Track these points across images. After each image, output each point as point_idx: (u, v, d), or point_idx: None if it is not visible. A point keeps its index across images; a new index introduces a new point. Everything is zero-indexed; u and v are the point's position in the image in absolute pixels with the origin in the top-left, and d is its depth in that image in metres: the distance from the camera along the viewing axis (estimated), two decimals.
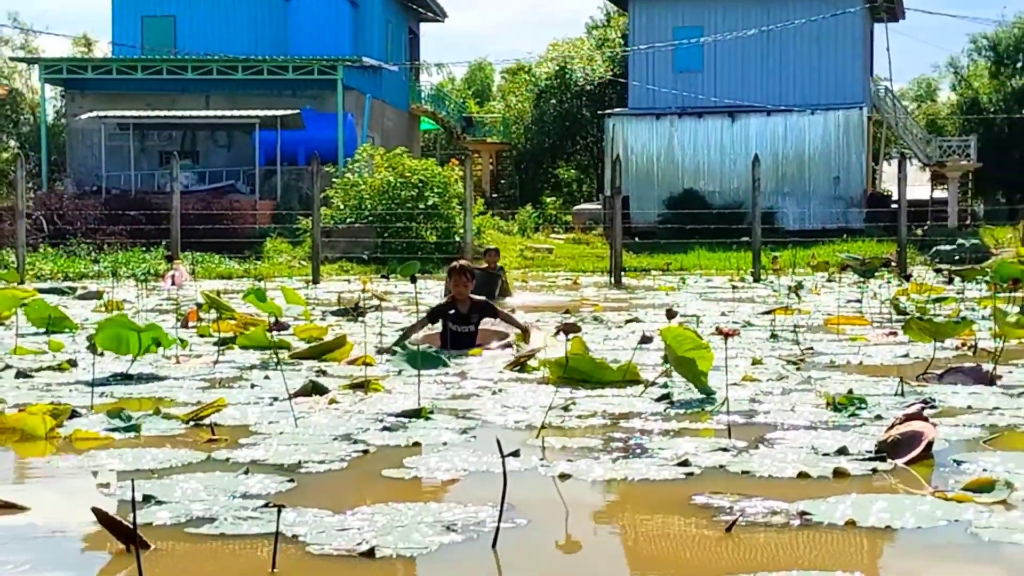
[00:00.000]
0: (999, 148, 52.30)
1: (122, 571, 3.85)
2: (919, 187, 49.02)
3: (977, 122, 55.67)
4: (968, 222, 45.68)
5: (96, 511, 4.15)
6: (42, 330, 11.76)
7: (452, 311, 10.09)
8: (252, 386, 8.00)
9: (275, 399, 7.33)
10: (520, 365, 8.85)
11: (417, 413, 6.65)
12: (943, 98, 69.78)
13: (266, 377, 8.42)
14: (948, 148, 45.75)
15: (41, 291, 18.18)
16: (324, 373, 8.60)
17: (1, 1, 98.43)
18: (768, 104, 41.82)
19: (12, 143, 63.81)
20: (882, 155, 49.41)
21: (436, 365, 8.73)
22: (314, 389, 7.50)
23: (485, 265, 19.72)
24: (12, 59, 61.52)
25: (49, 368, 8.99)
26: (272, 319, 12.44)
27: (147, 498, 4.65)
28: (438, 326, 10.20)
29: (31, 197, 32.59)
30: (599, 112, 46.52)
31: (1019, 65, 58.78)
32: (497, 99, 64.61)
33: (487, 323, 10.34)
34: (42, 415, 6.22)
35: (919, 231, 36.55)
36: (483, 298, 10.47)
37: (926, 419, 5.68)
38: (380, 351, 9.64)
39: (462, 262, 10.59)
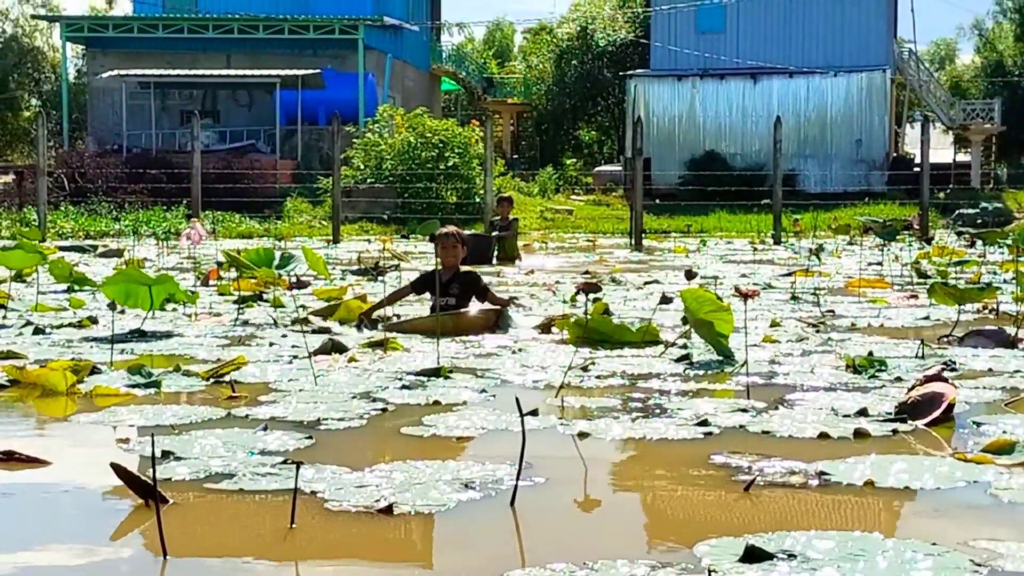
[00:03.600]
0: (1023, 111, 51.90)
1: (141, 525, 3.86)
2: (942, 150, 48.78)
3: (1001, 85, 55.25)
4: (991, 186, 45.39)
5: (115, 466, 4.16)
6: (63, 287, 11.80)
7: (436, 281, 8.91)
8: (270, 344, 8.01)
9: (294, 357, 7.34)
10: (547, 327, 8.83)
11: (436, 372, 6.65)
12: (965, 61, 69.25)
13: (284, 336, 8.44)
14: (971, 111, 45.47)
15: (62, 249, 18.27)
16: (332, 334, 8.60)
17: None
18: (791, 66, 41.57)
19: (34, 102, 64.00)
20: (905, 118, 49.13)
21: None
22: (333, 348, 7.51)
23: (498, 216, 19.64)
24: (33, 16, 61.54)
25: (70, 325, 9.02)
26: (293, 278, 12.46)
27: (166, 454, 4.67)
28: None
29: (52, 155, 32.64)
30: (620, 73, 46.31)
31: None
32: (518, 60, 64.37)
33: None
34: (63, 371, 6.24)
35: (941, 194, 36.34)
36: (470, 269, 9.36)
37: (947, 381, 5.66)
38: (360, 320, 8.96)
39: (448, 227, 9.49)
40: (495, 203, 22.05)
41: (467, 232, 20.48)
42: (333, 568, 3.52)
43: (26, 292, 11.38)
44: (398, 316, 9.29)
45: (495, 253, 17.61)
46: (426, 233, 10.78)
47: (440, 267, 9.01)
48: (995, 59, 58.64)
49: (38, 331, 8.56)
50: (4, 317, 9.56)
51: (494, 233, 18.51)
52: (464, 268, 9.17)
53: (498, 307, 8.95)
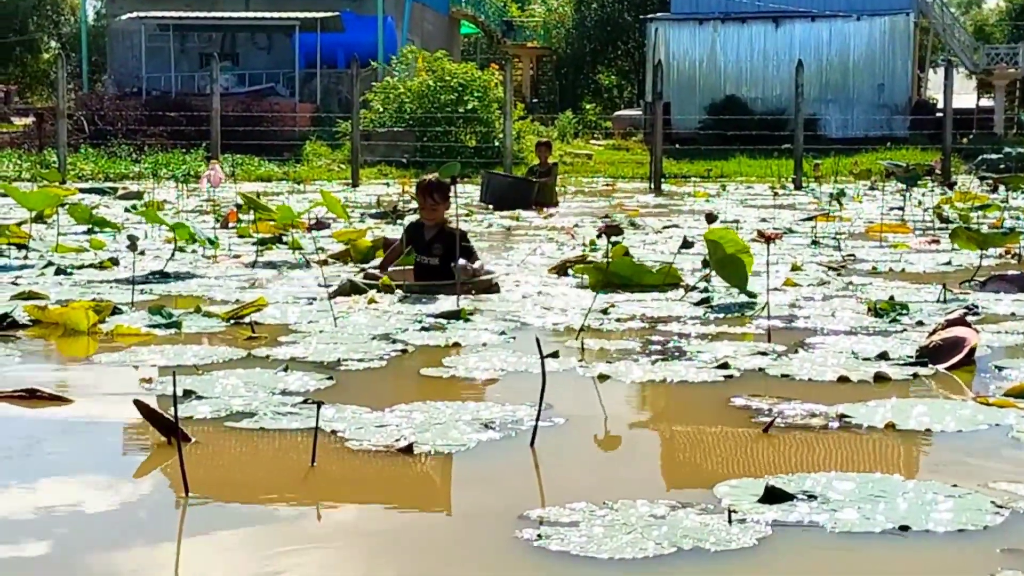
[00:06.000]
0: None
1: (163, 463, 3.88)
2: (965, 95, 48.36)
3: None
4: (1014, 131, 45.01)
5: (138, 403, 4.18)
6: (83, 228, 11.83)
7: (419, 236, 8.03)
8: (289, 272, 8.02)
9: (314, 299, 7.35)
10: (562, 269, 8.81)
11: (456, 314, 6.65)
12: (990, 4, 68.58)
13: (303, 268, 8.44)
14: (995, 56, 45.05)
15: (82, 191, 18.29)
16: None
17: None
18: (813, 9, 41.15)
19: (53, 44, 63.93)
20: (928, 62, 48.74)
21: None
22: (352, 289, 7.50)
23: (537, 162, 19.55)
24: None
25: (91, 266, 9.05)
26: (312, 220, 12.46)
27: (188, 393, 4.68)
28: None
29: (72, 98, 32.65)
30: (641, 17, 45.93)
31: None
32: (538, 3, 63.94)
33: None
34: (85, 310, 6.26)
35: (964, 140, 36.08)
36: (456, 228, 7.87)
37: (969, 325, 5.63)
38: (350, 288, 7.64)
39: (431, 178, 8.11)
40: (533, 148, 21.92)
41: (508, 176, 20.51)
42: (354, 507, 3.54)
43: (47, 233, 11.41)
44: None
45: (533, 198, 17.49)
46: (446, 175, 10.53)
47: (423, 220, 8.10)
48: (1020, 3, 58.01)
49: (59, 271, 8.60)
50: (26, 257, 9.60)
51: (533, 179, 18.41)
52: (450, 226, 7.92)
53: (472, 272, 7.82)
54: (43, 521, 3.35)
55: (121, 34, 40.26)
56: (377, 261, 8.55)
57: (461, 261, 7.60)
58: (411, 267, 7.96)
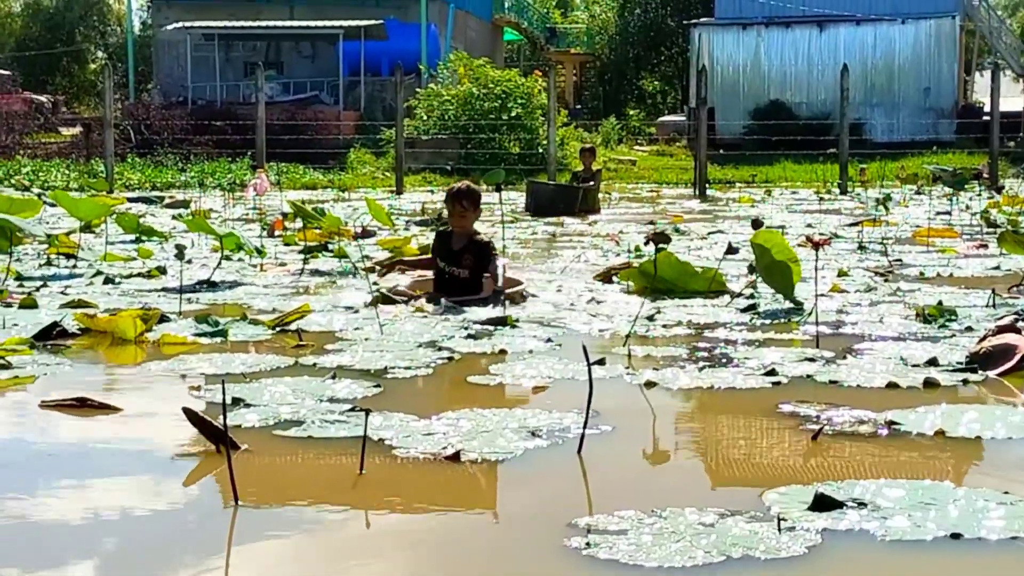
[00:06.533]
0: None
1: (212, 471, 3.90)
2: (1012, 98, 47.81)
3: None
4: None
5: (187, 411, 4.21)
6: (131, 237, 11.92)
7: (447, 247, 7.76)
8: (335, 287, 8.04)
9: (348, 307, 7.35)
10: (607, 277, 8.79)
11: (503, 321, 6.65)
12: None
13: (352, 276, 8.46)
14: None
15: (130, 200, 18.42)
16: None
17: None
18: (858, 13, 40.91)
19: (100, 54, 64.48)
20: (974, 65, 48.29)
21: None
22: (384, 300, 7.40)
23: (581, 168, 19.50)
24: None
25: (138, 275, 9.11)
26: (359, 228, 12.51)
27: (236, 401, 4.71)
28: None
29: (119, 107, 32.89)
30: (685, 22, 45.81)
31: None
32: (581, 9, 63.91)
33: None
34: (133, 319, 6.31)
35: (1012, 143, 35.71)
36: (486, 238, 7.84)
37: (1019, 331, 5.58)
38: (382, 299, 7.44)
39: (461, 184, 7.88)
40: (577, 154, 21.88)
41: (552, 184, 20.52)
42: (402, 515, 3.54)
43: (95, 242, 11.50)
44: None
45: (577, 205, 17.44)
46: (492, 182, 10.48)
47: (452, 229, 7.88)
48: None
49: (108, 280, 8.67)
50: (75, 267, 9.68)
51: (576, 184, 18.39)
52: (480, 237, 7.79)
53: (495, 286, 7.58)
54: (93, 527, 3.38)
55: (167, 44, 40.55)
56: (404, 279, 8.29)
57: (499, 271, 7.53)
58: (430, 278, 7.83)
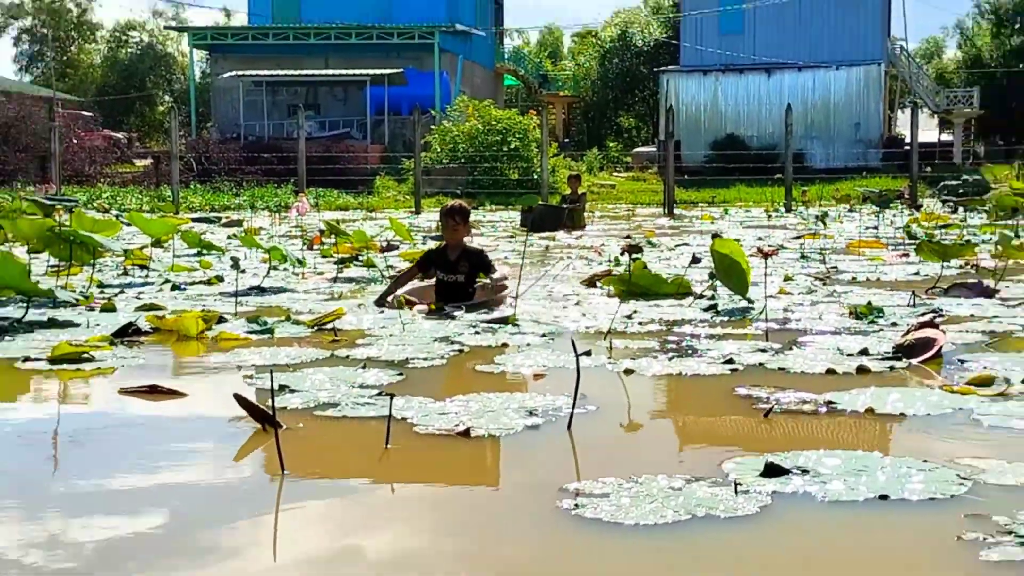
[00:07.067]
0: (998, 98, 50.76)
1: (261, 445, 3.90)
2: (929, 131, 47.82)
3: (979, 75, 54.12)
4: (971, 161, 44.51)
5: (237, 396, 4.20)
6: (194, 251, 11.91)
7: (444, 258, 7.66)
8: (365, 286, 8.03)
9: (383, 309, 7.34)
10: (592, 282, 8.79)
11: (505, 320, 6.65)
12: (949, 55, 67.99)
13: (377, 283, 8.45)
14: (954, 98, 44.59)
15: (192, 220, 18.42)
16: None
17: None
18: (800, 61, 40.94)
19: (167, 98, 64.55)
20: (897, 104, 48.30)
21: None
22: (399, 306, 7.34)
23: (569, 191, 19.51)
24: (166, 28, 62.31)
25: (200, 283, 9.11)
26: (384, 242, 12.49)
27: (282, 387, 4.70)
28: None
29: (183, 143, 32.89)
30: (655, 69, 45.80)
31: (1017, 26, 56.93)
32: (568, 59, 63.90)
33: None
34: (195, 319, 6.30)
35: (928, 169, 35.68)
36: (477, 247, 7.90)
37: (937, 327, 5.58)
38: (377, 303, 7.47)
39: (454, 203, 7.82)
40: (566, 180, 21.92)
41: (543, 204, 20.62)
42: (421, 483, 3.53)
43: (163, 255, 11.50)
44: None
45: (564, 222, 17.47)
46: (524, 205, 10.36)
47: (446, 243, 7.74)
48: (974, 54, 57.51)
49: (174, 287, 8.66)
50: (147, 276, 9.67)
51: (564, 205, 18.44)
52: (471, 246, 7.76)
53: (499, 284, 7.56)
54: (162, 490, 3.38)
55: (223, 90, 40.58)
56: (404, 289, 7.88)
57: (496, 274, 7.53)
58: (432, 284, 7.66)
